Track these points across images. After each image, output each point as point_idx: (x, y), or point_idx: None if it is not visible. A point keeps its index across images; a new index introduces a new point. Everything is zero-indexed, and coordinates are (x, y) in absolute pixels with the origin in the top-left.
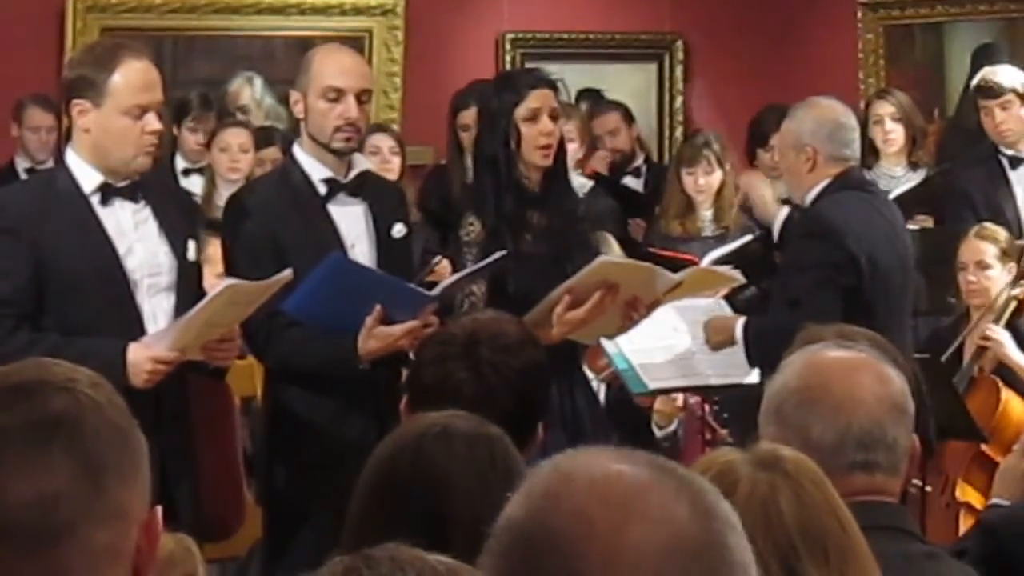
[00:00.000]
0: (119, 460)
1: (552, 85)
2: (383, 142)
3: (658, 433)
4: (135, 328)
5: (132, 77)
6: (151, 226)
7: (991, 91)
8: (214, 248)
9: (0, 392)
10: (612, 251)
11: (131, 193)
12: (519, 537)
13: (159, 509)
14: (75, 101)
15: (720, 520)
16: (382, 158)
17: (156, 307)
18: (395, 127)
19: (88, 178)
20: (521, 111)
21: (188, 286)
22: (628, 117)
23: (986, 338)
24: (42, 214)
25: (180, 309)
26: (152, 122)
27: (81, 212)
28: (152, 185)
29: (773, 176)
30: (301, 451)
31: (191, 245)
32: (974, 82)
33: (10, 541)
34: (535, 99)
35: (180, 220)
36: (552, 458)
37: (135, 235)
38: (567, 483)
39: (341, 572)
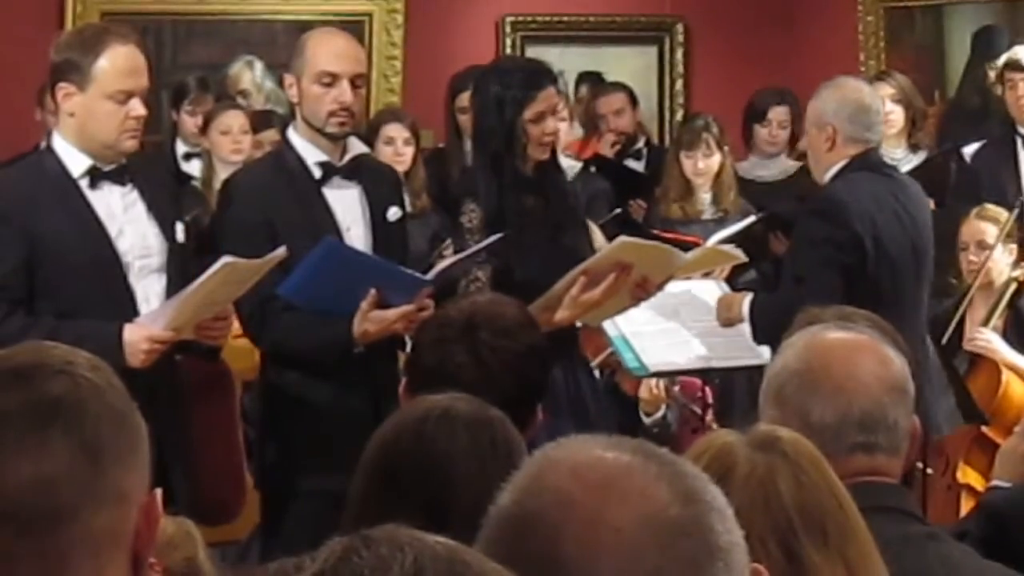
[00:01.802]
0: (118, 443)
1: (554, 80)
2: (398, 133)
3: (646, 420)
4: (128, 310)
5: (118, 62)
6: (139, 208)
7: (1019, 64)
8: None
9: None
10: (596, 240)
11: (119, 176)
12: (505, 523)
13: (158, 492)
14: (60, 84)
15: (703, 503)
16: (395, 149)
17: (148, 289)
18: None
19: (76, 162)
20: (528, 114)
21: (177, 268)
22: (633, 99)
23: (977, 344)
24: (32, 198)
25: (170, 290)
26: (137, 107)
27: (71, 196)
28: (139, 168)
29: (770, 152)
30: (297, 434)
31: (179, 227)
32: (1002, 59)
33: (10, 525)
34: (541, 102)
35: (167, 202)
36: (543, 447)
37: (124, 218)
38: (551, 469)
39: (340, 552)
